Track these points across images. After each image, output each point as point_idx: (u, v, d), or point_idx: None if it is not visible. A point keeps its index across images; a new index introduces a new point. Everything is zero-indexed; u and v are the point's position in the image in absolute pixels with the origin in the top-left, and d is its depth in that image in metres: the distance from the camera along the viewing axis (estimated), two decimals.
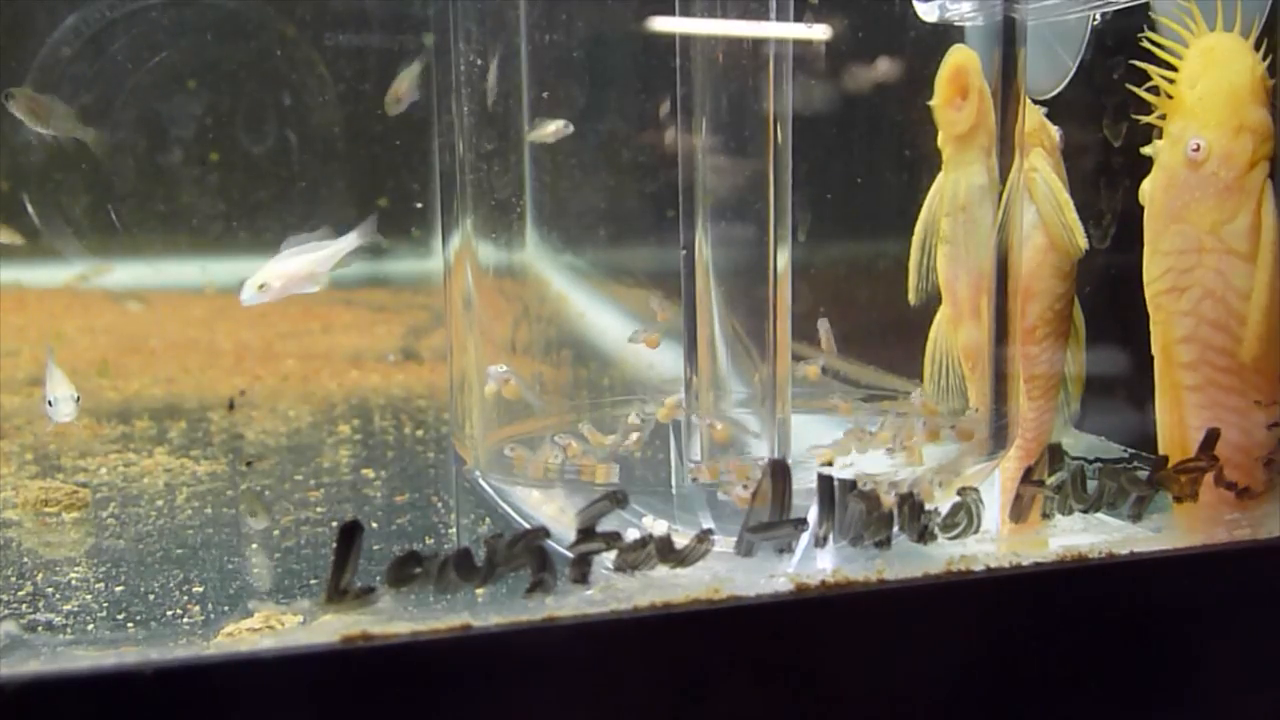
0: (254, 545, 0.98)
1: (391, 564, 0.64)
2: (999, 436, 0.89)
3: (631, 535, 0.70)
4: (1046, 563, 0.73)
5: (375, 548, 0.94)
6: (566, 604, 0.65)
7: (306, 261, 0.82)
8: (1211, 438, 0.82)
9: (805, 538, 0.72)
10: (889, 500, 0.74)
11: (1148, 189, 0.85)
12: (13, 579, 0.91)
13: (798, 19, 0.79)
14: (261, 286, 0.84)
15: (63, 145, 1.26)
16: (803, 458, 0.80)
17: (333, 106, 1.32)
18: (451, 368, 0.91)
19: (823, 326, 0.83)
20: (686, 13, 0.78)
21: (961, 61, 0.86)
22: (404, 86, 1.01)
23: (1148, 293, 0.85)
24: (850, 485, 0.72)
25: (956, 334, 0.89)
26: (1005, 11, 0.87)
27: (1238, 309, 0.82)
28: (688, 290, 0.80)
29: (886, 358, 0.92)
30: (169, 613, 0.84)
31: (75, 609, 0.85)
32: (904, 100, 0.88)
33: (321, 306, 1.73)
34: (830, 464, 0.79)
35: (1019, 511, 0.80)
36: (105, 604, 0.86)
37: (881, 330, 0.93)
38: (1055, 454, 0.81)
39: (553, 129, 0.74)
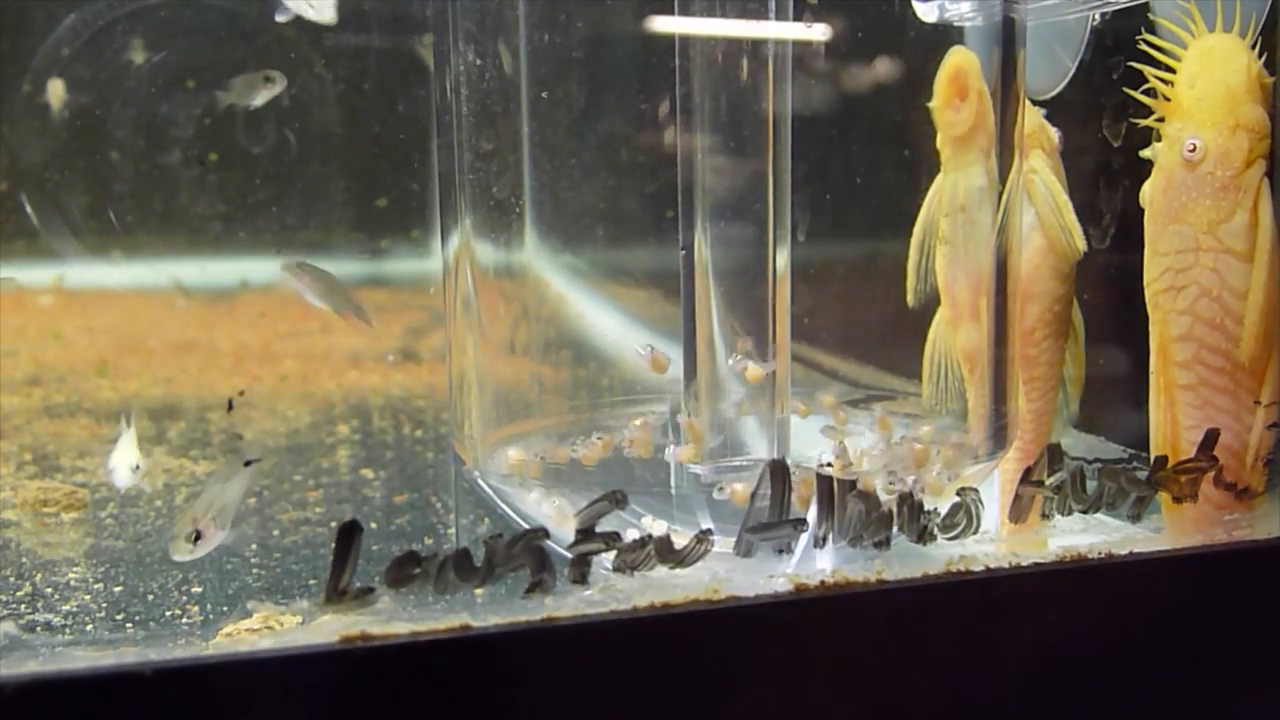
0: (254, 545, 0.98)
1: (390, 564, 0.64)
2: (998, 437, 0.89)
3: (631, 536, 0.70)
4: (1046, 563, 0.73)
5: (374, 548, 0.93)
6: (565, 604, 0.65)
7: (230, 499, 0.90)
8: (1211, 438, 0.82)
9: (804, 538, 0.72)
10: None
11: (1148, 191, 0.85)
12: (11, 579, 0.91)
13: (797, 19, 0.79)
14: (136, 468, 0.90)
15: (63, 145, 1.26)
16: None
17: (332, 106, 1.32)
18: (450, 368, 0.91)
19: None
20: (686, 13, 0.78)
21: (960, 63, 0.86)
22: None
23: (1147, 293, 0.86)
24: (850, 485, 0.72)
25: (955, 335, 0.89)
26: (1004, 12, 0.87)
27: (1233, 308, 0.82)
28: (687, 290, 0.80)
29: (885, 359, 0.92)
30: (168, 613, 0.84)
31: (74, 609, 0.85)
32: (903, 101, 0.88)
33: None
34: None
35: (1018, 512, 0.80)
36: (104, 604, 0.86)
37: (880, 331, 0.93)
38: (1054, 454, 0.81)
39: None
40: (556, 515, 0.77)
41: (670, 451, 0.79)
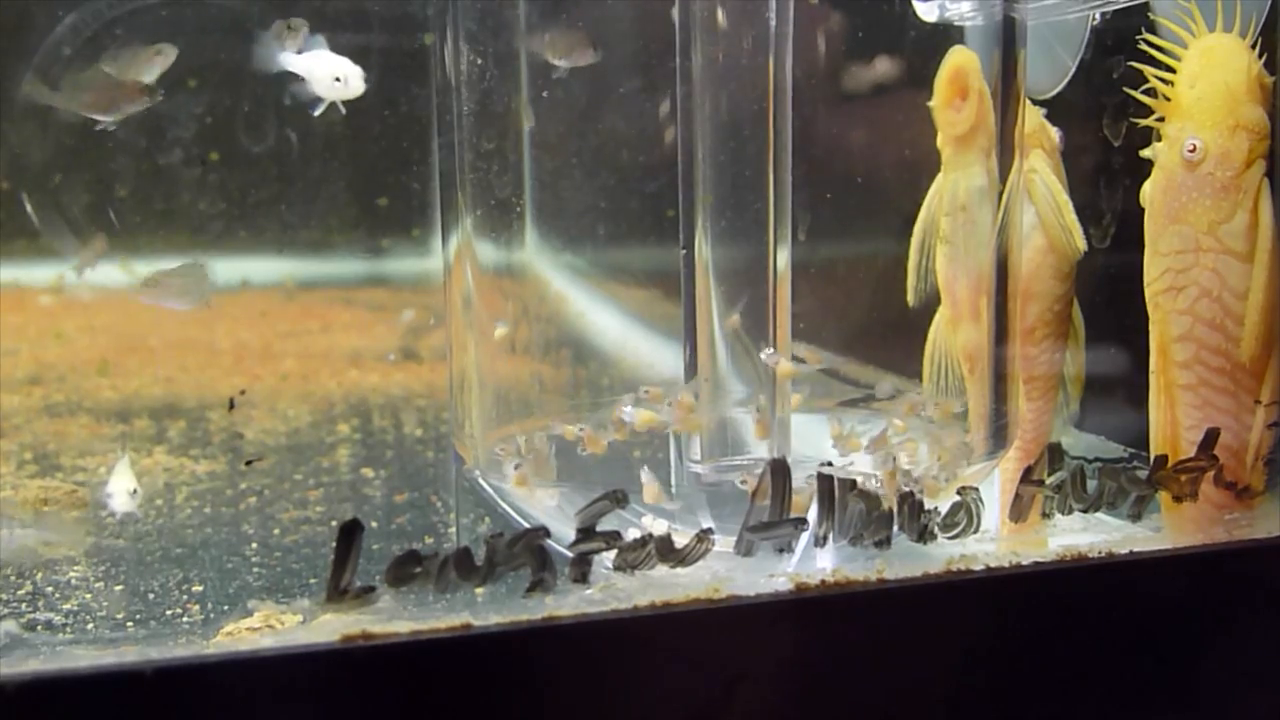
0: (255, 544, 0.98)
1: (391, 563, 0.64)
2: (998, 436, 0.89)
3: (631, 535, 0.70)
4: (1046, 562, 0.73)
5: (375, 547, 0.93)
6: (566, 603, 0.65)
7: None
8: (1211, 437, 0.82)
9: (805, 537, 0.72)
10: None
11: (1148, 191, 0.85)
12: (12, 578, 0.91)
13: (797, 18, 0.79)
14: (134, 492, 0.93)
15: (62, 143, 1.26)
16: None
17: (332, 106, 1.32)
18: (451, 367, 0.91)
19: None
20: (686, 12, 0.78)
21: (961, 62, 0.86)
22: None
23: (1147, 293, 0.86)
24: (850, 485, 0.72)
25: (955, 335, 0.89)
26: (1005, 11, 0.87)
27: (1233, 308, 0.82)
28: (687, 290, 0.80)
29: (885, 358, 0.92)
30: (168, 612, 0.84)
31: (75, 608, 0.85)
32: (903, 100, 0.88)
33: (321, 306, 1.73)
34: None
35: (1019, 511, 0.80)
36: (105, 603, 0.86)
37: (880, 331, 0.93)
38: (1055, 454, 0.81)
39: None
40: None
41: (629, 412, 0.79)
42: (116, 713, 0.56)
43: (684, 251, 0.80)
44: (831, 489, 0.72)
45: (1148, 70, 0.84)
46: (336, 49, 1.32)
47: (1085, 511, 0.81)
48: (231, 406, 1.43)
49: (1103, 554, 0.74)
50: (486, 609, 0.63)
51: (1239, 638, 0.77)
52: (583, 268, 0.88)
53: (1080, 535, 0.79)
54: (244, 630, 0.72)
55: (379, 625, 0.60)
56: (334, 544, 0.62)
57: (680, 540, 0.70)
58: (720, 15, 0.78)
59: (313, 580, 0.90)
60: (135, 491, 0.94)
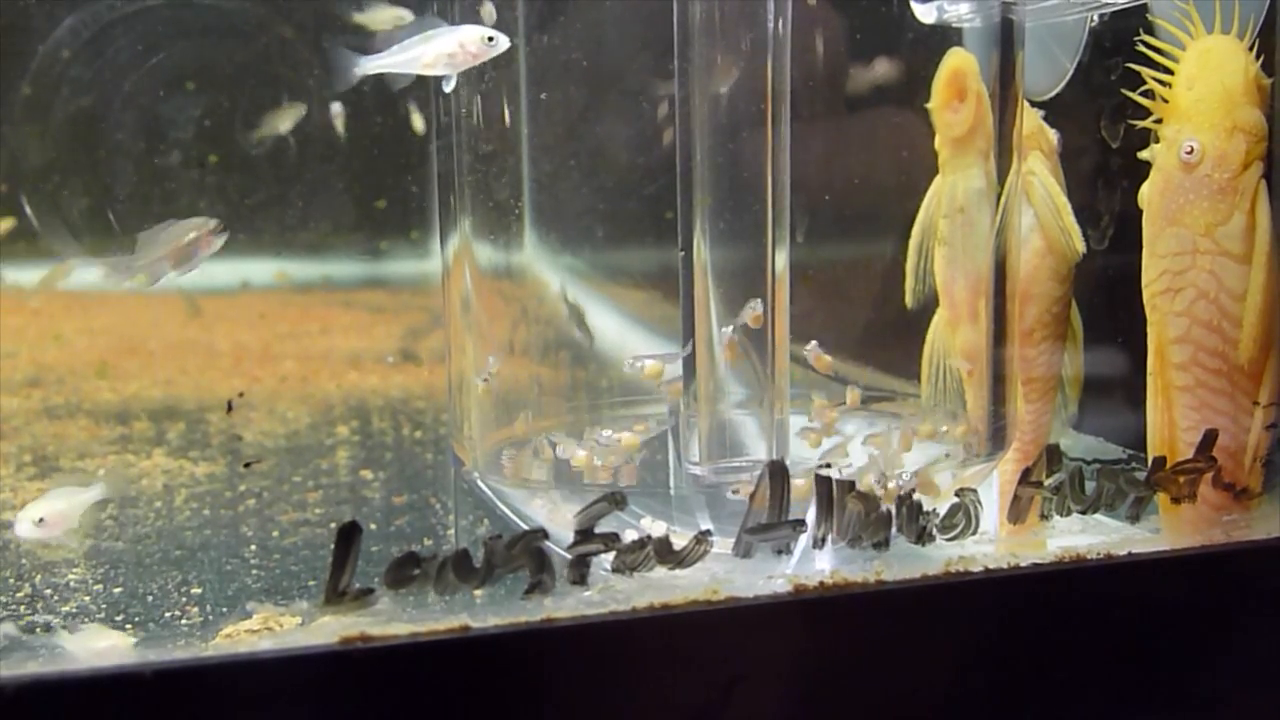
0: (253, 546, 0.98)
1: (390, 565, 0.64)
2: (997, 438, 0.89)
3: (630, 536, 0.70)
4: (1045, 564, 0.73)
5: (374, 549, 0.94)
6: (565, 605, 0.65)
7: (76, 502, 0.91)
8: (1209, 439, 0.82)
9: (803, 539, 0.72)
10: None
11: (1146, 193, 0.86)
12: (11, 580, 0.91)
13: (796, 19, 0.79)
14: (39, 520, 0.91)
15: (62, 145, 1.26)
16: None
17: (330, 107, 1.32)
18: (450, 369, 0.91)
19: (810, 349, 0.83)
20: (685, 13, 0.78)
21: (959, 64, 0.86)
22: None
23: (1145, 295, 0.86)
24: (849, 486, 0.72)
25: (954, 337, 0.89)
26: (1003, 13, 0.87)
27: (1230, 310, 0.82)
28: (686, 291, 0.80)
29: (884, 360, 0.92)
30: (167, 614, 0.84)
31: (74, 610, 0.85)
32: (902, 101, 0.89)
33: (320, 308, 1.73)
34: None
35: (1017, 513, 0.80)
36: (104, 605, 0.86)
37: (878, 333, 0.93)
38: (1053, 455, 0.81)
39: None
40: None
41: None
42: (116, 714, 0.56)
43: (682, 253, 0.80)
44: (830, 491, 0.72)
45: (1145, 72, 0.84)
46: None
47: (1084, 513, 0.81)
48: (230, 409, 1.43)
49: (1101, 555, 0.74)
50: (485, 611, 0.64)
51: (1237, 639, 0.77)
52: (581, 269, 0.89)
53: (1079, 537, 0.79)
54: (243, 632, 0.72)
55: (377, 627, 0.60)
56: (333, 546, 0.62)
57: (678, 542, 0.70)
58: (719, 16, 0.78)
59: (311, 582, 0.90)
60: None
